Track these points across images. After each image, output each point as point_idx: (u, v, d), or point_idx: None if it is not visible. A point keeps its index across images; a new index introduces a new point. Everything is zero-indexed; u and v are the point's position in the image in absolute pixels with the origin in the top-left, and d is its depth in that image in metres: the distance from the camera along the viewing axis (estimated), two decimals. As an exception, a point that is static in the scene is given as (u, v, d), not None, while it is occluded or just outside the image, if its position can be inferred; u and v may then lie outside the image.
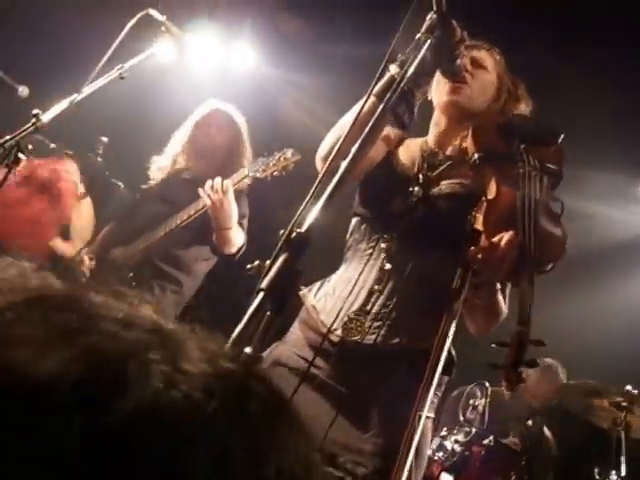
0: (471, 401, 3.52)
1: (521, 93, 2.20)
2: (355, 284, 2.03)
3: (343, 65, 4.74)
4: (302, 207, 1.49)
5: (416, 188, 2.06)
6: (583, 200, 4.56)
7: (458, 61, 1.87)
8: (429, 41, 1.70)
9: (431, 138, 2.21)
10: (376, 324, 1.97)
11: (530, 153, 1.93)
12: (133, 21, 2.67)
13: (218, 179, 3.31)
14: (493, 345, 1.74)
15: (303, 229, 1.39)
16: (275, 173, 3.39)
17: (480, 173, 1.96)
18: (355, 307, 2.00)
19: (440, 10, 1.71)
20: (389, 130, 2.18)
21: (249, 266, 1.66)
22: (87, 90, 2.60)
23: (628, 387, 3.78)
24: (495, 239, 1.76)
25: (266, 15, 5.14)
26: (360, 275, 2.04)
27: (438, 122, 2.21)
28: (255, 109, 4.10)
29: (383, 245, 2.04)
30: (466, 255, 1.78)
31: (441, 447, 3.38)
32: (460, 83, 2.09)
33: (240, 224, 3.51)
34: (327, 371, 1.99)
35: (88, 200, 3.96)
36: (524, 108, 2.20)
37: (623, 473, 3.63)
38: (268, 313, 1.30)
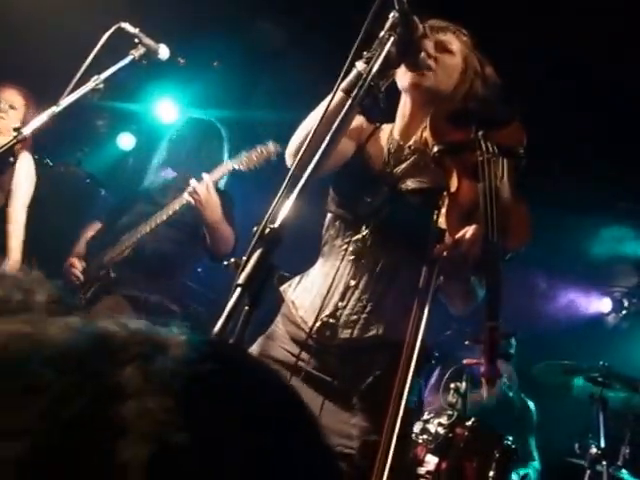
0: (452, 385, 3.60)
1: (488, 72, 2.21)
2: (332, 280, 2.07)
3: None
4: (274, 203, 1.56)
5: (382, 187, 2.10)
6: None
7: (422, 54, 1.91)
8: (392, 38, 1.76)
9: (397, 128, 2.22)
10: (352, 318, 2.02)
11: (488, 138, 1.93)
12: (107, 35, 2.74)
13: (203, 177, 3.41)
14: (467, 343, 1.79)
15: (276, 224, 1.47)
16: (257, 165, 3.40)
17: (441, 165, 1.98)
18: (332, 303, 2.05)
19: (402, 8, 1.76)
20: (361, 120, 2.22)
21: (225, 262, 1.72)
22: (64, 102, 2.68)
23: (605, 364, 3.88)
24: (458, 235, 1.77)
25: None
26: (337, 271, 2.08)
27: (404, 108, 2.21)
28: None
29: (356, 242, 2.08)
30: (431, 254, 1.80)
31: (425, 430, 3.46)
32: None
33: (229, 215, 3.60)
34: (311, 363, 2.05)
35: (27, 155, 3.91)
36: (492, 86, 2.21)
37: (602, 445, 3.74)
38: (246, 307, 1.39)
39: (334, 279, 2.07)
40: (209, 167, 3.76)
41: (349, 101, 1.65)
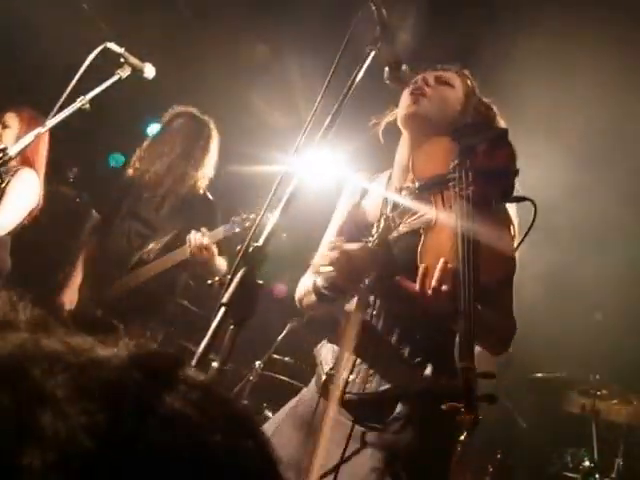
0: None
1: (493, 115, 2.16)
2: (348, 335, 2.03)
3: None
4: (257, 221, 1.57)
5: (370, 238, 2.01)
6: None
7: (403, 67, 1.93)
8: (373, 52, 1.80)
9: (395, 173, 2.18)
10: (370, 372, 1.96)
11: (464, 166, 1.87)
12: (93, 55, 2.75)
13: (200, 237, 3.39)
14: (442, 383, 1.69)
15: (260, 242, 1.47)
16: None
17: (425, 202, 1.92)
18: (351, 359, 2.00)
19: (383, 22, 1.82)
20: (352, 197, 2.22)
21: (209, 281, 1.72)
22: (51, 123, 2.68)
23: (596, 376, 3.90)
24: (420, 275, 1.71)
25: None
26: (351, 325, 2.02)
27: (402, 149, 2.16)
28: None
29: (361, 296, 2.03)
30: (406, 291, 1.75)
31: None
32: (419, 95, 2.08)
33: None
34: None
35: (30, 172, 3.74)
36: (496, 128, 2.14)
37: (595, 458, 3.74)
38: (231, 326, 1.39)
39: (348, 336, 2.02)
40: (199, 165, 3.74)
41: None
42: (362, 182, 2.25)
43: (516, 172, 1.92)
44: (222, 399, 0.51)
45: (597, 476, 3.67)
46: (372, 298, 2.01)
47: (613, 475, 3.80)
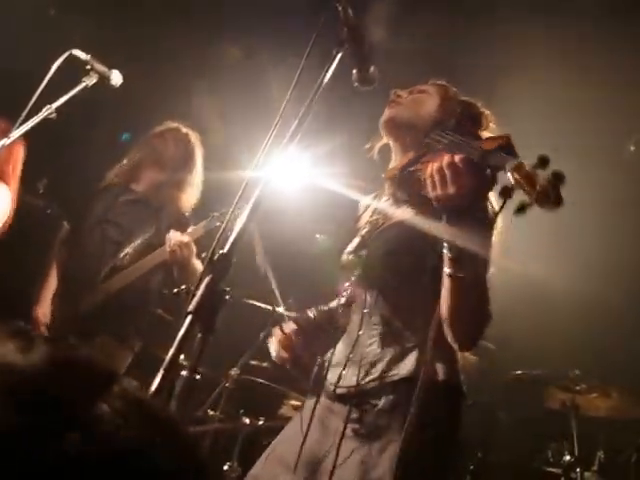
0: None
1: (476, 111, 2.20)
2: (346, 335, 2.14)
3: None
4: (222, 228, 1.56)
5: (355, 239, 2.16)
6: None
7: (371, 69, 1.93)
8: (340, 54, 1.79)
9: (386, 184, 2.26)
10: (361, 363, 2.01)
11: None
12: (58, 62, 2.72)
13: (179, 235, 3.39)
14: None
15: (225, 250, 1.46)
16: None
17: (403, 190, 2.02)
18: (344, 355, 2.07)
19: (350, 23, 1.81)
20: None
21: (175, 290, 1.71)
22: (17, 133, 2.65)
23: (575, 372, 3.92)
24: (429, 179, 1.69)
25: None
26: (349, 325, 2.14)
27: (392, 159, 2.25)
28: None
29: (346, 290, 2.14)
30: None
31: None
32: (392, 103, 2.20)
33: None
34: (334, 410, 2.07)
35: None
36: (487, 125, 2.18)
37: (576, 452, 3.75)
38: (199, 334, 1.37)
39: (347, 334, 2.13)
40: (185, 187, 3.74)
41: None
42: (361, 198, 2.36)
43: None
44: (139, 400, 0.58)
45: (578, 470, 3.68)
46: (366, 297, 2.06)
47: (594, 468, 3.82)
